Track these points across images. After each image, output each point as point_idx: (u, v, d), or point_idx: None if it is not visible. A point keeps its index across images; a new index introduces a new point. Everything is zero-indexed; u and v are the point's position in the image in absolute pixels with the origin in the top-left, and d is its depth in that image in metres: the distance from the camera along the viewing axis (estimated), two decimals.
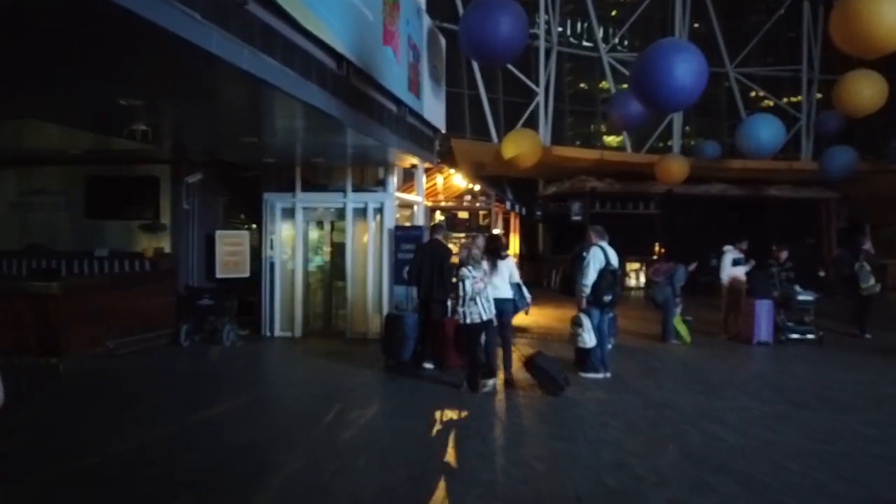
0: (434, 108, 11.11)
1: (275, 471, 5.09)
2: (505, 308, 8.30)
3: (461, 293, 7.43)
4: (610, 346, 9.64)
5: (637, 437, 6.07)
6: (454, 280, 7.99)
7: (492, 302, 7.64)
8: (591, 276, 8.26)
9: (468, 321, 7.43)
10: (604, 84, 24.53)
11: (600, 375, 8.35)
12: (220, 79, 5.31)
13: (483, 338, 7.70)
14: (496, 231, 15.51)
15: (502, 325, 8.33)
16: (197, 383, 8.30)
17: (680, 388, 8.09)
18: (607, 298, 8.41)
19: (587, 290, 8.30)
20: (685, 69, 8.05)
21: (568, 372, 7.97)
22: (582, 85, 37.88)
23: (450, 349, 8.57)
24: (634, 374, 8.79)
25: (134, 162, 10.93)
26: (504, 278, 8.30)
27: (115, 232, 11.34)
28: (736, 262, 11.82)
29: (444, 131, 11.88)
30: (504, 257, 8.42)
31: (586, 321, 8.31)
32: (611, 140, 37.87)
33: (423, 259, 8.88)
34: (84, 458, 5.33)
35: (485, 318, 7.48)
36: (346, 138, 8.56)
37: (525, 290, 8.71)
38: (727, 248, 11.98)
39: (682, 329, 11.07)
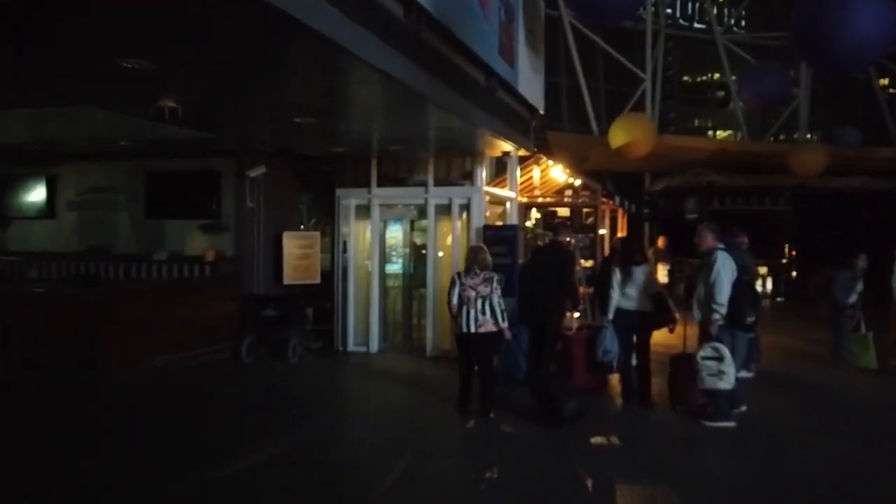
0: (531, 83, 9.28)
1: None
2: (639, 322, 6.98)
3: (448, 300, 6.65)
4: (750, 375, 7.92)
5: None
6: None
7: (495, 315, 6.46)
8: (726, 291, 6.23)
9: (456, 332, 6.68)
10: (716, 75, 22.14)
11: (732, 424, 6.32)
12: (232, 17, 3.76)
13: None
14: (602, 232, 13.57)
15: (638, 343, 7.10)
16: (241, 416, 6.83)
17: (845, 438, 6.20)
18: (750, 319, 6.49)
19: (723, 310, 6.27)
20: (872, 13, 5.96)
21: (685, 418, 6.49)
22: (687, 76, 35.29)
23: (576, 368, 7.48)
24: (784, 415, 6.99)
25: (193, 154, 9.77)
26: (640, 288, 6.94)
27: (176, 232, 10.26)
28: None
29: (542, 111, 10.02)
30: (639, 263, 7.09)
31: (727, 352, 6.25)
32: (719, 132, 35.02)
33: (535, 264, 7.92)
34: None
35: (464, 330, 6.45)
36: (424, 117, 6.94)
37: (670, 302, 7.20)
38: None
39: (858, 348, 8.88)
